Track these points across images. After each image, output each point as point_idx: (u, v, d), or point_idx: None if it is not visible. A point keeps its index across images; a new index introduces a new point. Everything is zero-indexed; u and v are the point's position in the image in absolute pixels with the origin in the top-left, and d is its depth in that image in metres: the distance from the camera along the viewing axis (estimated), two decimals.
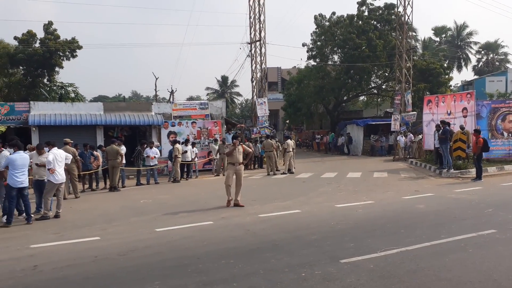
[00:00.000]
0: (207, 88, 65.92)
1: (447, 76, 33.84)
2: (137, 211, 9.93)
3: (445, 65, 36.28)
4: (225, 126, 21.85)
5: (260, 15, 24.76)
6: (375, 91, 38.64)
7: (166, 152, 17.64)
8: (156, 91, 44.88)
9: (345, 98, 37.78)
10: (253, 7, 24.85)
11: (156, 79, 43.25)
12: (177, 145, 16.59)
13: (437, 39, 51.93)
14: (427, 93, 29.34)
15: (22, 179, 8.70)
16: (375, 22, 33.08)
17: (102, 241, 7.09)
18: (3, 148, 10.69)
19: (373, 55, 31.17)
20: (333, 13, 34.25)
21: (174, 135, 19.51)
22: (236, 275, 5.08)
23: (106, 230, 7.87)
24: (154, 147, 16.20)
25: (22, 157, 8.76)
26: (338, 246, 6.14)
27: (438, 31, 51.74)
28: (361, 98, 43.07)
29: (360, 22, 32.64)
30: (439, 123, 15.68)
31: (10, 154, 8.96)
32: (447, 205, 9.21)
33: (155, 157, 15.99)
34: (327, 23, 34.28)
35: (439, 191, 11.36)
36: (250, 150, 10.56)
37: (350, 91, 35.92)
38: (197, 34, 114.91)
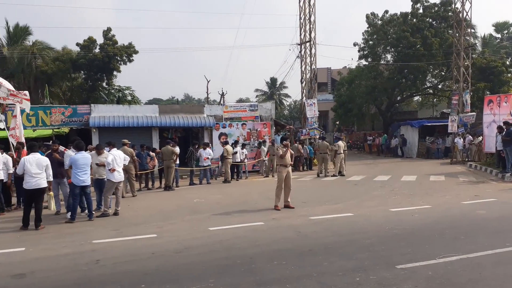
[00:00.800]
0: (256, 90, 66.45)
1: (509, 75, 31.81)
2: (191, 210, 10.21)
3: (507, 62, 34.10)
4: (274, 128, 21.92)
5: (310, 16, 24.62)
6: (431, 91, 37.06)
7: (217, 153, 18.02)
8: (207, 94, 45.87)
9: (398, 98, 36.57)
10: (303, 8, 24.75)
11: (208, 82, 44.15)
12: (227, 146, 16.86)
13: (499, 35, 48.85)
14: (488, 92, 27.76)
15: (84, 178, 9.22)
16: (430, 20, 31.74)
17: (158, 238, 7.37)
18: (67, 149, 11.39)
19: (428, 53, 29.93)
20: (386, 12, 33.30)
21: (225, 137, 19.85)
22: (289, 276, 5.08)
23: (162, 228, 8.16)
24: (207, 148, 16.60)
25: (84, 157, 9.30)
26: (393, 251, 5.97)
27: (500, 27, 48.66)
28: (416, 98, 41.48)
29: (414, 20, 31.47)
30: (501, 124, 14.78)
31: (75, 154, 9.51)
32: (511, 211, 8.67)
33: (208, 158, 16.36)
34: (379, 22, 33.37)
35: (502, 196, 10.70)
36: (292, 151, 10.53)
37: (404, 91, 34.72)
38: (247, 36, 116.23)
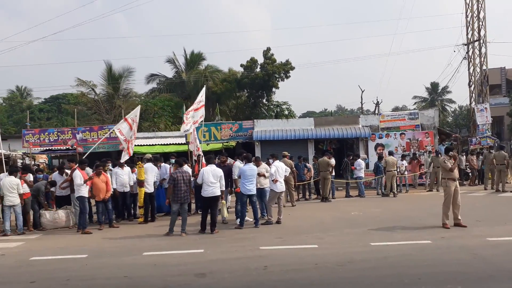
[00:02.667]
0: (415, 97, 62.06)
1: None
2: (349, 223, 10.12)
3: None
4: (437, 137, 20.17)
5: (479, 12, 22.11)
6: None
7: (373, 164, 17.45)
8: (362, 104, 44.93)
9: None
10: (470, 4, 22.40)
11: (362, 91, 43.28)
12: (388, 157, 16.16)
13: None
14: None
15: (251, 187, 10.00)
16: None
17: (320, 249, 7.50)
18: (234, 160, 12.53)
19: None
20: None
21: (382, 148, 19.13)
22: None
23: (322, 239, 8.28)
24: (360, 159, 16.28)
25: (251, 169, 10.09)
26: None
27: None
28: None
29: None
30: None
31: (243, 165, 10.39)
32: None
33: (356, 168, 16.06)
34: None
35: None
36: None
37: None
38: (403, 42, 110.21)
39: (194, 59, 35.66)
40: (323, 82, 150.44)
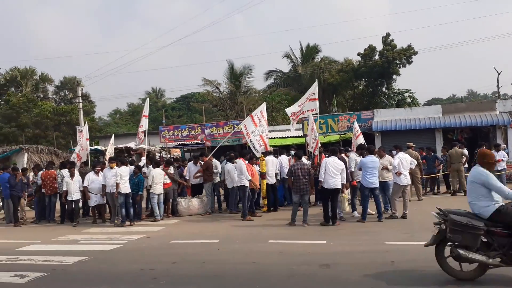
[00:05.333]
0: None
1: None
2: None
3: None
4: None
5: None
6: None
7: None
8: (498, 88, 39.95)
9: None
10: None
11: (498, 74, 38.40)
12: None
13: None
14: None
15: (372, 180, 9.70)
16: None
17: None
18: (348, 153, 12.30)
19: None
20: None
21: None
22: None
23: None
24: (501, 150, 14.53)
25: (373, 161, 9.78)
26: None
27: None
28: None
29: None
30: None
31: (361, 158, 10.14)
32: None
33: (502, 160, 14.30)
34: None
35: None
36: None
37: None
38: None
39: (310, 52, 35.73)
40: (450, 66, 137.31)
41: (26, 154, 19.38)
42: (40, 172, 12.57)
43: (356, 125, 14.11)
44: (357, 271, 5.90)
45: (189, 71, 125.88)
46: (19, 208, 12.31)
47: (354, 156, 10.80)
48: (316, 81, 13.62)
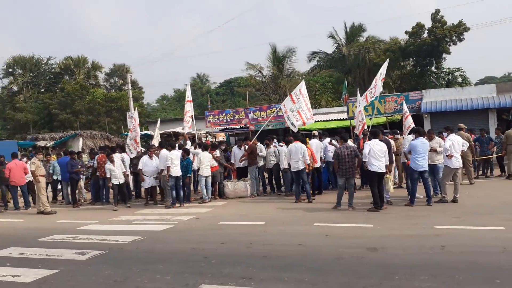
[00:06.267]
0: None
1: None
2: None
3: None
4: None
5: None
6: None
7: None
8: None
9: None
10: None
11: None
12: None
13: None
14: None
15: (422, 163, 9.43)
16: None
17: (508, 232, 6.71)
18: (397, 136, 12.00)
19: None
20: None
21: None
22: None
23: (511, 221, 7.37)
24: None
25: (423, 143, 9.50)
26: None
27: None
28: None
29: None
30: None
31: (413, 140, 9.86)
32: None
33: None
34: None
35: None
36: None
37: None
38: None
39: (354, 32, 34.74)
40: (505, 42, 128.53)
41: (81, 139, 20.49)
42: (96, 156, 13.26)
43: (404, 106, 13.75)
44: (406, 255, 5.85)
45: (233, 55, 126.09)
46: (77, 190, 13.13)
47: (410, 138, 10.52)
48: (387, 61, 13.60)
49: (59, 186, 14.24)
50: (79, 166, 13.05)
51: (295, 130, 12.78)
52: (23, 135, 31.73)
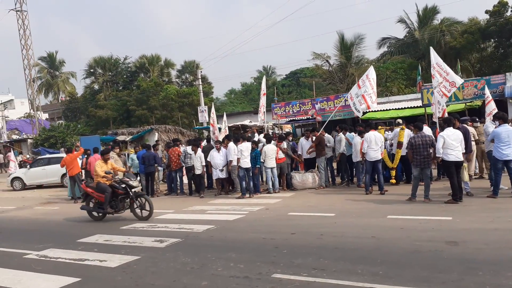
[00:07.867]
0: None
1: None
2: None
3: None
4: None
5: None
6: None
7: None
8: None
9: None
10: None
11: None
12: None
13: None
14: None
15: (508, 152, 8.71)
16: None
17: None
18: (476, 123, 11.18)
19: None
20: None
21: None
22: None
23: None
24: None
25: (508, 130, 8.76)
26: None
27: None
28: None
29: None
30: None
31: (496, 127, 9.16)
32: None
33: None
34: None
35: None
36: None
37: None
38: None
39: (428, 15, 32.78)
40: None
41: (157, 134, 21.60)
42: (170, 149, 13.92)
43: (486, 90, 12.73)
44: (490, 250, 5.47)
45: (298, 46, 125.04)
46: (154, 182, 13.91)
47: (490, 124, 9.81)
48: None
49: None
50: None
51: (360, 115, 12.88)
52: (104, 130, 34.09)
